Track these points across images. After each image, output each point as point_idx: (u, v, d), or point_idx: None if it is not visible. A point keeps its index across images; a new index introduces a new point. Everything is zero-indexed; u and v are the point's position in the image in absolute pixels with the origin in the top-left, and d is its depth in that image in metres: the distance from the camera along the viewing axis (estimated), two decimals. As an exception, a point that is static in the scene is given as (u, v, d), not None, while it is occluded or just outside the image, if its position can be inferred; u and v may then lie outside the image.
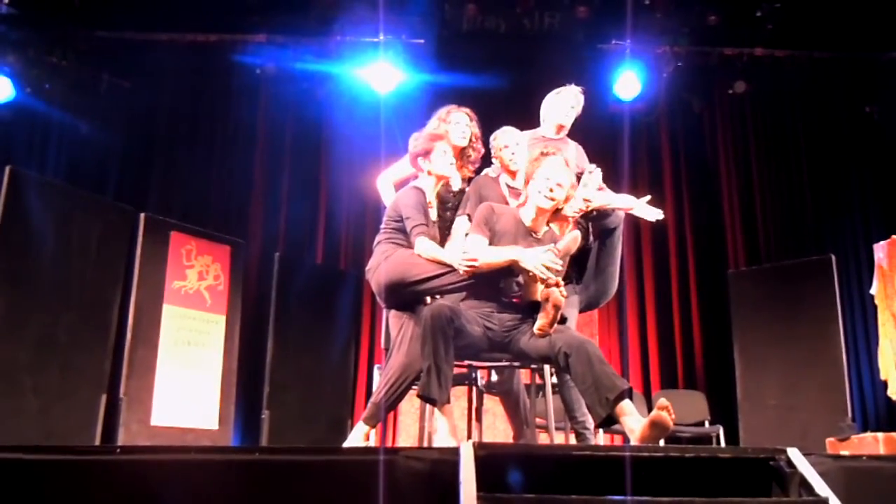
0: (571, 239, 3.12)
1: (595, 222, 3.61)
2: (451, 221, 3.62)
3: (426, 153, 3.44)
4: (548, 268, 2.97)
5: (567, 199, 3.27)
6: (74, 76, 6.54)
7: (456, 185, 3.73)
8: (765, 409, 5.87)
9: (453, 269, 3.13)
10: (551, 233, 3.32)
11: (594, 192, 3.54)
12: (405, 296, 3.28)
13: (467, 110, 3.76)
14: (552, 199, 3.18)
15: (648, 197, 3.71)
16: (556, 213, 3.45)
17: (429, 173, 3.46)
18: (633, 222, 5.49)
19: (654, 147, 7.14)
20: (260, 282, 6.46)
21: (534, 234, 3.24)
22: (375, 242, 3.45)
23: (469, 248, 3.13)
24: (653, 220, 3.76)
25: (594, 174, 3.64)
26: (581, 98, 3.88)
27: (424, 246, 3.23)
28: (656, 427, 2.71)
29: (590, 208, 3.43)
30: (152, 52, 6.69)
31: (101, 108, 6.64)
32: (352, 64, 6.59)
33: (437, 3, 6.51)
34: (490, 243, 3.16)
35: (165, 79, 6.75)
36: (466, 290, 3.20)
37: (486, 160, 3.84)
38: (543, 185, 3.17)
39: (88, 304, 5.16)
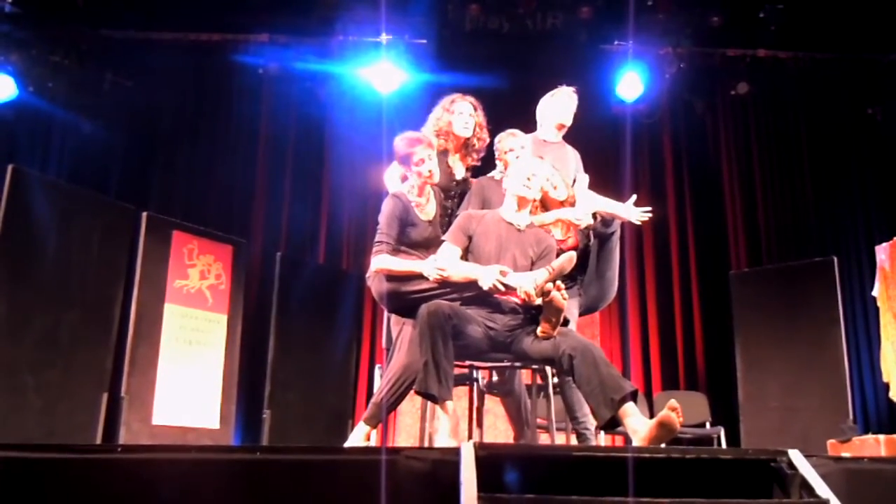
0: (566, 259, 3.11)
1: (598, 228, 3.61)
2: (453, 210, 3.61)
3: (406, 158, 3.39)
4: (504, 284, 3.02)
5: (545, 194, 3.42)
6: (77, 75, 6.55)
7: (459, 174, 3.72)
8: (766, 411, 5.86)
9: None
10: (534, 227, 3.34)
11: (601, 201, 3.60)
12: (406, 301, 3.27)
13: (472, 99, 3.73)
14: (529, 188, 3.27)
15: (634, 197, 3.67)
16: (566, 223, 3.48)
17: (418, 175, 3.40)
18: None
19: (657, 148, 7.14)
20: (262, 281, 6.47)
21: (517, 228, 3.27)
22: (374, 250, 3.44)
23: (440, 258, 3.18)
24: (637, 222, 3.60)
25: (580, 181, 3.69)
26: (575, 97, 3.89)
27: (383, 263, 3.23)
28: (664, 427, 2.71)
29: (598, 218, 3.53)
30: (155, 51, 6.69)
31: (104, 107, 6.65)
32: (354, 64, 6.59)
33: (439, 3, 6.50)
34: (471, 247, 3.24)
35: (168, 78, 6.75)
36: (464, 299, 3.18)
37: (491, 163, 3.82)
38: (520, 177, 3.29)
39: (90, 302, 5.16)
